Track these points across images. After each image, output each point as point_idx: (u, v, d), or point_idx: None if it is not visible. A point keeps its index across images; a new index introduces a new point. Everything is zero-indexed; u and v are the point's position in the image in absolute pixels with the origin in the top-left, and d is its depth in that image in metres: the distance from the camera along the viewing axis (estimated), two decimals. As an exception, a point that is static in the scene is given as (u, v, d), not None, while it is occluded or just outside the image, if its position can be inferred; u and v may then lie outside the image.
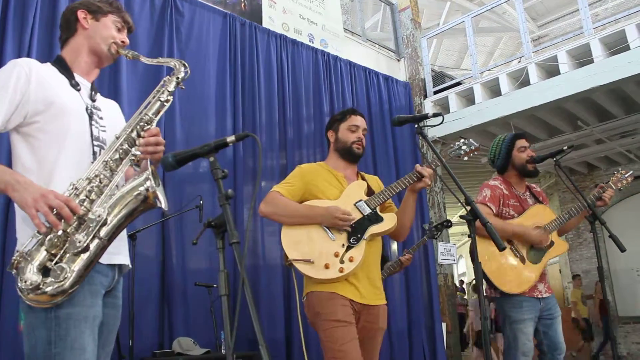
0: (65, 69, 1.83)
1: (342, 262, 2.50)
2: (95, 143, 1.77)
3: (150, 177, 1.66)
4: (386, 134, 6.80)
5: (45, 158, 1.68)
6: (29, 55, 3.73)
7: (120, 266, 1.81)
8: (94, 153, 1.75)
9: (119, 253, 1.72)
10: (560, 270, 11.66)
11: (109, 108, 1.95)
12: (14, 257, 1.53)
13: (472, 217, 2.21)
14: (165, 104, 1.84)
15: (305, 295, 2.61)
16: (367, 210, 2.61)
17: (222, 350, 3.94)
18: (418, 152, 7.09)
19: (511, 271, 3.11)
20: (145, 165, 1.75)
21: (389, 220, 2.64)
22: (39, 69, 1.73)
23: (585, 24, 6.43)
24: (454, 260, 6.70)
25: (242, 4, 5.71)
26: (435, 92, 7.73)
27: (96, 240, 1.58)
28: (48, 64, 1.83)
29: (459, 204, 2.32)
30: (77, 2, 1.92)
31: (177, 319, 4.17)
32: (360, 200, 2.63)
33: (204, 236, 3.62)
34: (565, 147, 3.11)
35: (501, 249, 2.13)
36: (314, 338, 4.88)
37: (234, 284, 4.34)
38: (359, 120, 2.81)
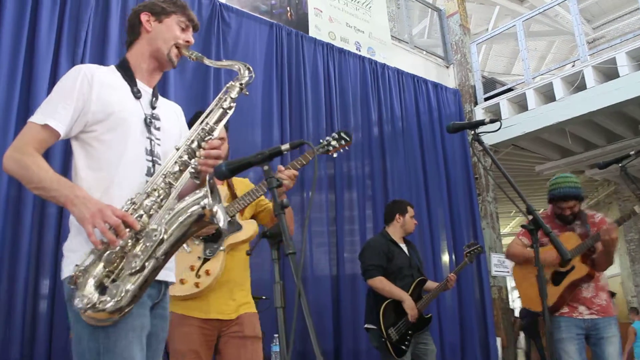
0: (128, 74, 1.81)
1: (198, 276, 2.34)
2: (149, 158, 1.74)
3: (208, 194, 1.58)
4: (436, 142, 6.65)
5: (102, 170, 1.66)
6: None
7: (166, 282, 1.78)
8: (148, 168, 1.72)
9: (165, 268, 1.65)
10: (622, 283, 11.11)
11: (168, 115, 1.92)
12: (73, 272, 1.51)
13: (535, 227, 2.08)
14: (227, 111, 1.76)
15: None
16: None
17: (272, 363, 3.87)
18: (469, 160, 6.90)
19: (536, 292, 3.10)
20: (204, 178, 1.69)
21: (248, 229, 2.50)
22: (101, 77, 1.72)
23: (647, 24, 6.12)
24: (508, 272, 6.46)
25: (289, 14, 5.71)
26: (486, 99, 7.53)
27: (152, 260, 1.53)
28: (112, 68, 1.83)
29: (510, 214, 2.23)
30: (141, 4, 1.88)
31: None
32: None
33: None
34: (632, 152, 2.95)
35: (566, 258, 2.09)
36: (364, 348, 4.81)
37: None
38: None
